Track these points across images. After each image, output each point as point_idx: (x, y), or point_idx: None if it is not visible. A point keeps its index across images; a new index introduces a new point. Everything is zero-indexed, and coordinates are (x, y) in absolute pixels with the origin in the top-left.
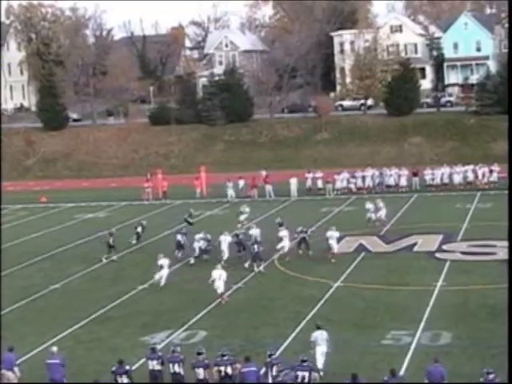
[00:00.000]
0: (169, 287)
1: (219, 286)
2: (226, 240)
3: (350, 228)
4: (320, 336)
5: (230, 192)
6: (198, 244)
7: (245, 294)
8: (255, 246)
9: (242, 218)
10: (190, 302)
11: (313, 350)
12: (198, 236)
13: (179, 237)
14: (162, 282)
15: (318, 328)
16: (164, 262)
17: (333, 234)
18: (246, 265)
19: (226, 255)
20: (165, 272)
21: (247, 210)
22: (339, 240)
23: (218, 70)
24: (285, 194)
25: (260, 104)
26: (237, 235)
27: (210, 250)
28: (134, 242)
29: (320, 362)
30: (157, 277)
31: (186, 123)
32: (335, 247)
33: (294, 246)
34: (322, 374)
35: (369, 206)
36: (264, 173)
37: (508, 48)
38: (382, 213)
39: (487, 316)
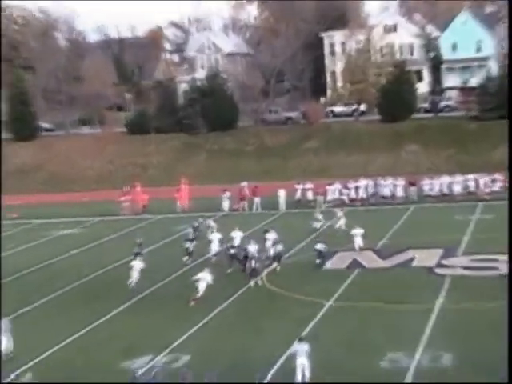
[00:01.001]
0: (155, 303)
1: (202, 287)
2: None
3: (343, 242)
4: (301, 348)
5: (226, 204)
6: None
7: (233, 313)
8: (253, 261)
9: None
10: (176, 319)
11: (293, 363)
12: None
13: (187, 244)
14: (133, 282)
15: (301, 340)
16: (136, 264)
17: (357, 231)
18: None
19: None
20: (134, 274)
21: (213, 224)
22: (331, 255)
23: (200, 74)
24: (273, 206)
25: (245, 110)
26: (232, 246)
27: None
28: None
29: (298, 375)
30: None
31: (166, 132)
32: (361, 244)
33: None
34: None
35: (318, 216)
36: (245, 184)
37: (508, 48)
38: (342, 222)
39: (492, 336)
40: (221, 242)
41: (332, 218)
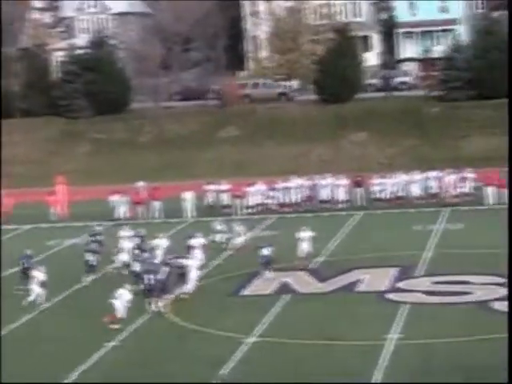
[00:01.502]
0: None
1: (118, 308)
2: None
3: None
4: None
5: (123, 209)
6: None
7: (124, 356)
8: (151, 276)
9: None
10: (41, 370)
11: None
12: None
13: (88, 256)
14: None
15: None
16: (37, 274)
17: (305, 234)
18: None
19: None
20: (36, 288)
21: (130, 233)
22: (252, 278)
23: (81, 40)
24: (177, 213)
25: (140, 88)
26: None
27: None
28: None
29: None
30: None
31: (36, 115)
32: (306, 251)
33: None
34: None
35: (218, 227)
36: (142, 185)
37: (508, 47)
38: (240, 239)
39: (459, 379)
40: (130, 253)
41: (253, 228)
